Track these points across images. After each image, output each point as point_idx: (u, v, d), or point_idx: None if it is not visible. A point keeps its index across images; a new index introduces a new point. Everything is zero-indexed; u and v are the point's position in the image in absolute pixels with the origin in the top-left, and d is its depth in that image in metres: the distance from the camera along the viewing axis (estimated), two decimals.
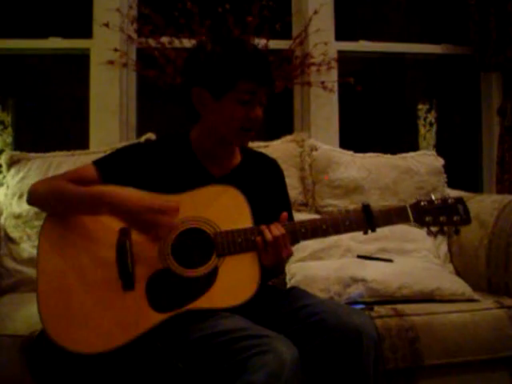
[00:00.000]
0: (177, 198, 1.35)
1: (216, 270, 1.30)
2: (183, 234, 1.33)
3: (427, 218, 1.38)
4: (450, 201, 1.39)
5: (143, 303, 1.27)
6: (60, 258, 1.31)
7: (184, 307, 1.26)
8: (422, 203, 1.39)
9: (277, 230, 1.32)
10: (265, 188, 1.51)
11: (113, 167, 1.42)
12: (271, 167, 1.60)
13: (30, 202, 1.43)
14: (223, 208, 1.37)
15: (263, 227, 1.33)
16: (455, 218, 1.37)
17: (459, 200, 1.40)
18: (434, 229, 1.40)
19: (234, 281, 1.30)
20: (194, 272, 1.30)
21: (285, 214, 1.37)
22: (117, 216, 1.29)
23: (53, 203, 1.37)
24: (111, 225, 1.32)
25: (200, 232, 1.34)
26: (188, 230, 1.34)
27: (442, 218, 1.37)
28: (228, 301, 1.27)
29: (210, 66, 1.37)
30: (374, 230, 1.37)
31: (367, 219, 1.37)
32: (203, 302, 1.27)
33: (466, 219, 1.38)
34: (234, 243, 1.32)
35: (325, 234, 1.37)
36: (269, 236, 1.31)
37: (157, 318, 1.25)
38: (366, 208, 1.37)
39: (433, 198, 1.40)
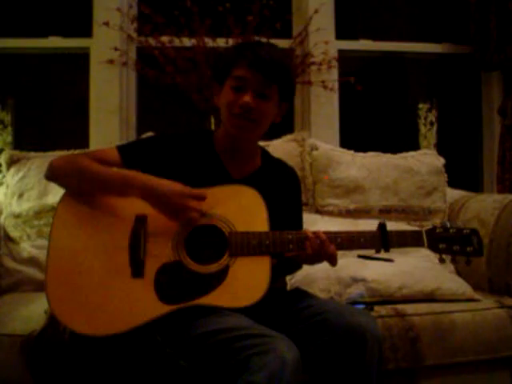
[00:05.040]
0: None
1: (227, 269, 1.31)
2: (198, 229, 1.34)
3: (441, 246, 1.40)
4: (465, 231, 1.41)
5: (150, 292, 1.27)
6: (72, 238, 1.32)
7: (191, 302, 1.26)
8: (438, 230, 1.41)
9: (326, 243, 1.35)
10: (281, 194, 1.52)
11: (136, 155, 1.43)
12: (289, 175, 1.62)
13: (49, 177, 1.41)
14: (241, 208, 1.38)
15: (310, 234, 1.35)
16: (468, 249, 1.39)
17: (474, 231, 1.41)
18: (445, 256, 1.41)
19: (244, 282, 1.30)
20: (205, 268, 1.31)
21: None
22: (147, 199, 1.30)
23: (77, 181, 1.36)
24: (128, 211, 1.33)
25: (215, 229, 1.35)
26: (203, 226, 1.35)
27: (455, 248, 1.40)
28: (235, 301, 1.27)
29: (217, 60, 1.49)
30: (387, 250, 1.39)
31: (382, 239, 1.38)
32: (210, 300, 1.27)
33: (479, 251, 1.40)
34: (248, 245, 1.32)
35: (338, 247, 1.37)
36: (316, 246, 1.34)
37: (162, 308, 1.25)
38: (382, 227, 1.39)
39: (448, 225, 1.42)
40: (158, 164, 1.41)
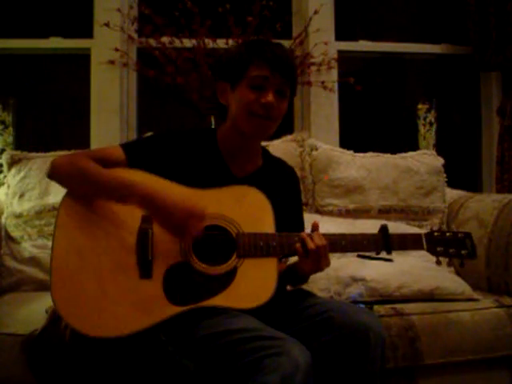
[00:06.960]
0: (202, 193, 1.37)
1: (235, 271, 1.31)
2: (206, 231, 1.32)
3: (438, 249, 1.45)
4: (459, 235, 1.47)
5: (159, 293, 1.26)
6: (77, 239, 1.29)
7: (200, 303, 1.26)
8: (435, 233, 1.46)
9: (319, 239, 1.35)
10: (282, 193, 1.52)
11: (140, 153, 1.41)
12: (289, 175, 1.62)
13: (50, 176, 1.39)
14: (247, 210, 1.38)
15: (304, 235, 1.35)
16: (463, 252, 1.44)
17: (468, 235, 1.47)
18: (442, 259, 1.45)
19: (252, 283, 1.31)
20: (213, 269, 1.31)
21: (316, 222, 1.40)
22: (147, 209, 1.28)
23: (77, 183, 1.34)
24: (134, 211, 1.30)
25: (222, 230, 1.35)
26: (211, 227, 1.34)
27: (451, 251, 1.44)
28: (244, 303, 1.27)
29: (226, 58, 1.45)
30: (389, 252, 1.42)
31: (384, 242, 1.41)
32: (219, 301, 1.27)
33: (472, 254, 1.45)
34: (256, 247, 1.33)
35: (343, 250, 1.40)
36: (311, 245, 1.34)
37: (172, 310, 1.25)
38: (383, 230, 1.42)
39: (443, 229, 1.48)
40: (163, 163, 1.40)
